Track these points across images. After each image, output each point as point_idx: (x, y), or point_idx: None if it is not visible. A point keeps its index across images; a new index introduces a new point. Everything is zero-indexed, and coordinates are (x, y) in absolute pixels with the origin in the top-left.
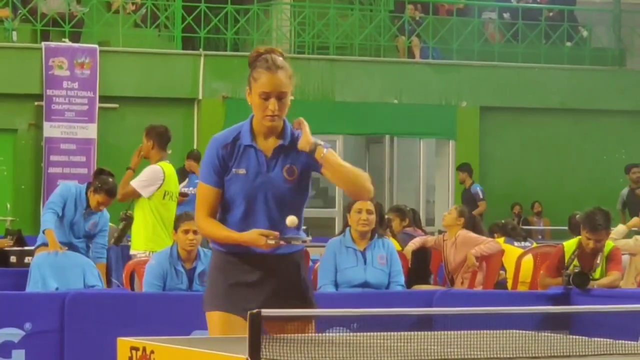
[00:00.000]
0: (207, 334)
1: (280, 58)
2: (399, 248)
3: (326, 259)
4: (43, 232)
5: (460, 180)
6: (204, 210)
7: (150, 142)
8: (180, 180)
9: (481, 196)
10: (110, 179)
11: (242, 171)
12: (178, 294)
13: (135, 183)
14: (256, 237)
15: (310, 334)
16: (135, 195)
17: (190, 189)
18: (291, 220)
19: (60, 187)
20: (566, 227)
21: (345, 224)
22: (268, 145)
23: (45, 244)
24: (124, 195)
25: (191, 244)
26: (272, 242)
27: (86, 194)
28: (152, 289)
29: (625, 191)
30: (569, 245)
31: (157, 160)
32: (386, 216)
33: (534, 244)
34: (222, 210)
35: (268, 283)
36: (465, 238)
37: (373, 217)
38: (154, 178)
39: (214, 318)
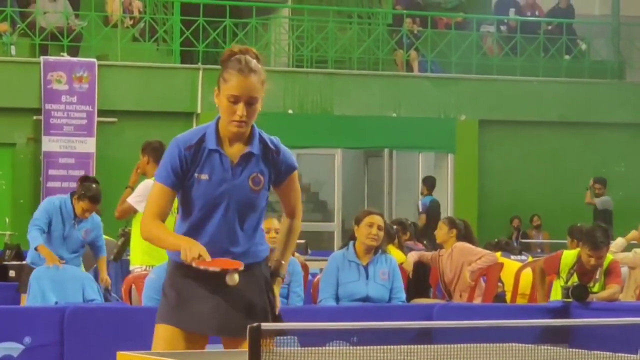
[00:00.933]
0: (208, 347)
1: (255, 61)
2: (404, 259)
3: (328, 273)
4: (35, 249)
5: (421, 191)
6: (153, 210)
7: (146, 157)
8: None
9: (420, 209)
10: (94, 185)
11: (204, 177)
12: None
13: (131, 199)
14: (188, 247)
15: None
16: (131, 211)
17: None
18: (232, 279)
19: (44, 202)
20: (565, 241)
21: (350, 237)
22: (234, 151)
23: (34, 263)
24: (122, 212)
25: None
26: (195, 262)
27: (71, 202)
28: (152, 303)
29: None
30: (569, 254)
31: (153, 175)
32: (395, 226)
33: (530, 258)
34: (180, 219)
35: (225, 298)
36: (461, 250)
37: (382, 233)
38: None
39: (160, 332)
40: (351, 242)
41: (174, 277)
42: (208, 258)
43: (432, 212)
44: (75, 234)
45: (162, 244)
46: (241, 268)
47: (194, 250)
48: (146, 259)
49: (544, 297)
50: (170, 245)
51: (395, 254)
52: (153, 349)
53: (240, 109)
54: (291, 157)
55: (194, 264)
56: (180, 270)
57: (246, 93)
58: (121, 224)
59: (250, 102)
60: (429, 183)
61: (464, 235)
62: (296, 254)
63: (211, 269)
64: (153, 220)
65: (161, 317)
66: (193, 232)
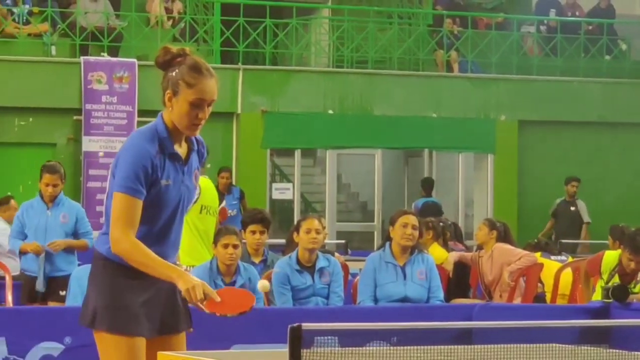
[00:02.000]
0: (247, 348)
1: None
2: (445, 256)
3: (366, 274)
4: (20, 253)
5: (421, 193)
6: (129, 226)
7: None
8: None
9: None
10: (51, 162)
11: (168, 182)
12: None
13: None
14: (191, 287)
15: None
16: None
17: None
18: (263, 285)
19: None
20: (605, 241)
21: (386, 238)
22: (182, 150)
23: (26, 270)
24: None
25: (231, 258)
26: (207, 309)
27: (40, 195)
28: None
29: (558, 201)
30: (611, 255)
31: None
32: (441, 223)
33: (570, 258)
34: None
35: (163, 301)
36: (501, 251)
37: (417, 232)
38: None
39: (125, 343)
40: (387, 243)
41: (114, 278)
42: (215, 296)
43: (425, 214)
44: (52, 221)
45: (148, 270)
46: (254, 304)
47: (197, 291)
48: (186, 259)
49: (589, 299)
50: (162, 276)
51: (438, 251)
52: (111, 357)
53: (205, 112)
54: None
55: (206, 310)
56: (119, 270)
57: (210, 96)
58: None
59: (210, 105)
60: (427, 185)
61: (504, 236)
62: (336, 254)
63: (229, 315)
64: (131, 237)
65: (119, 326)
66: (158, 239)
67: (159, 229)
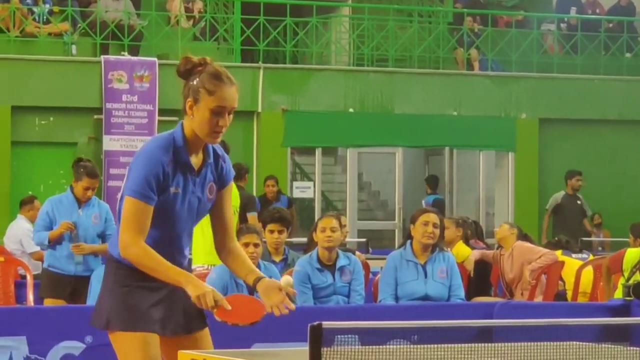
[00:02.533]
0: (268, 347)
1: None
2: (468, 254)
3: (387, 272)
4: (48, 243)
5: (427, 191)
6: (138, 230)
7: None
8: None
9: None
10: (88, 163)
11: (178, 190)
12: None
13: None
14: (201, 293)
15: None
16: None
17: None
18: (286, 281)
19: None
20: (626, 239)
21: (407, 237)
22: (197, 161)
23: (52, 265)
24: None
25: (251, 257)
26: (218, 317)
27: (72, 192)
28: None
29: (560, 195)
30: (633, 252)
31: None
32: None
33: (591, 256)
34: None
35: (176, 302)
36: (522, 249)
37: (438, 231)
38: None
39: (138, 339)
40: (408, 242)
41: (125, 280)
42: (225, 303)
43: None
44: (85, 221)
45: (157, 275)
46: (264, 313)
47: (208, 298)
48: (209, 258)
49: (610, 296)
50: (171, 281)
51: (463, 249)
52: (128, 356)
53: (226, 120)
54: (231, 165)
55: (217, 318)
56: (130, 273)
57: (232, 104)
58: None
59: (230, 112)
60: (432, 182)
61: (524, 236)
62: (357, 253)
63: (240, 324)
64: (141, 242)
65: (130, 325)
66: (166, 246)
67: (167, 236)
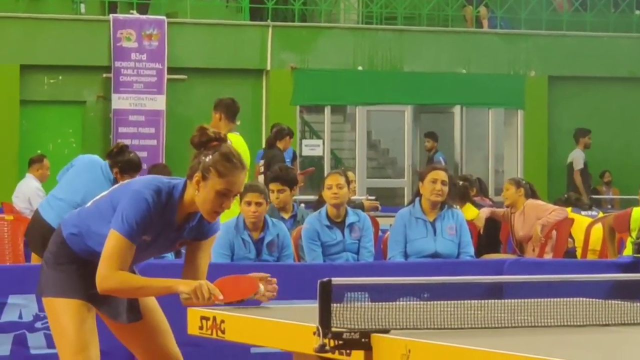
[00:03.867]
0: (278, 304)
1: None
2: (476, 214)
3: (396, 230)
4: None
5: (427, 148)
6: (118, 265)
7: (218, 114)
8: None
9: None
10: (132, 154)
11: (148, 238)
12: (246, 263)
13: None
14: (198, 288)
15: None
16: None
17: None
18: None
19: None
20: (636, 197)
21: (416, 194)
22: (180, 219)
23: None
24: None
25: (253, 216)
26: (215, 301)
27: (110, 170)
28: (220, 259)
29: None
30: (638, 211)
31: (226, 132)
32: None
33: (600, 213)
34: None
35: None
36: (533, 206)
37: (447, 188)
38: None
39: (71, 306)
40: (417, 199)
41: (65, 258)
42: (218, 293)
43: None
44: None
45: (147, 292)
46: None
47: (204, 289)
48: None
49: (614, 255)
50: (161, 290)
51: (471, 211)
52: (61, 320)
53: (229, 202)
54: (218, 222)
55: (219, 302)
56: (72, 257)
57: (237, 189)
58: None
59: (235, 196)
60: (434, 137)
61: (531, 194)
62: (366, 202)
63: (235, 301)
64: (118, 273)
65: (66, 291)
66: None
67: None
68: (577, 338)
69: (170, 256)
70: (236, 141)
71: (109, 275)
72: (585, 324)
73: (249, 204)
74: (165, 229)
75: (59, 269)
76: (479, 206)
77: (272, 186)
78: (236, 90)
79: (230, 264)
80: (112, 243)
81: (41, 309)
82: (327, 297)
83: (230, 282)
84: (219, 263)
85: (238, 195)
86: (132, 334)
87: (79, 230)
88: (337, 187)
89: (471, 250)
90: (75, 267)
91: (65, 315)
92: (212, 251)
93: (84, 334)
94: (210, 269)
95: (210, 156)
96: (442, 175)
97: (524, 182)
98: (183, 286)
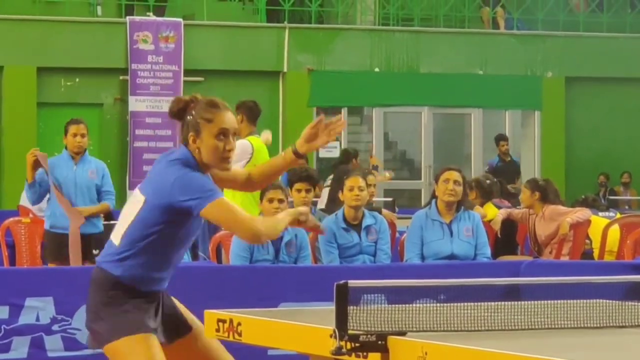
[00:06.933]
0: (295, 306)
1: None
2: (495, 214)
3: (412, 232)
4: (30, 187)
5: (503, 151)
6: (248, 216)
7: (240, 116)
8: None
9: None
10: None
11: None
12: (265, 266)
13: None
14: (301, 212)
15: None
16: None
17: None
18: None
19: None
20: None
21: (432, 196)
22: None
23: (53, 227)
24: None
25: (275, 213)
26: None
27: (66, 150)
28: (239, 261)
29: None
30: None
31: (247, 135)
32: (488, 181)
33: (618, 214)
34: (153, 251)
35: (159, 311)
36: (554, 211)
37: (460, 188)
38: (242, 152)
39: (144, 342)
40: (433, 201)
41: (122, 296)
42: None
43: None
44: (81, 175)
45: (280, 228)
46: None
47: (303, 211)
48: None
49: None
50: (286, 224)
51: (491, 210)
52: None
53: (230, 142)
54: None
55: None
56: (124, 287)
57: (232, 125)
58: None
59: (234, 135)
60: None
61: (546, 194)
62: (384, 211)
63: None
64: (257, 223)
65: (137, 328)
66: (165, 265)
67: (172, 255)
68: (594, 340)
69: (187, 258)
70: (257, 144)
71: (254, 230)
72: (602, 325)
73: (271, 201)
74: None
75: (120, 310)
76: (497, 207)
77: (300, 185)
78: (253, 92)
79: (249, 266)
80: (219, 211)
81: (59, 311)
82: (344, 299)
83: None
84: (237, 266)
85: (236, 133)
86: (186, 348)
87: (129, 253)
88: (359, 189)
89: (488, 251)
90: (135, 301)
91: (147, 351)
92: (232, 255)
93: None
94: (229, 272)
95: (194, 112)
96: (454, 175)
97: (541, 182)
98: (288, 215)
